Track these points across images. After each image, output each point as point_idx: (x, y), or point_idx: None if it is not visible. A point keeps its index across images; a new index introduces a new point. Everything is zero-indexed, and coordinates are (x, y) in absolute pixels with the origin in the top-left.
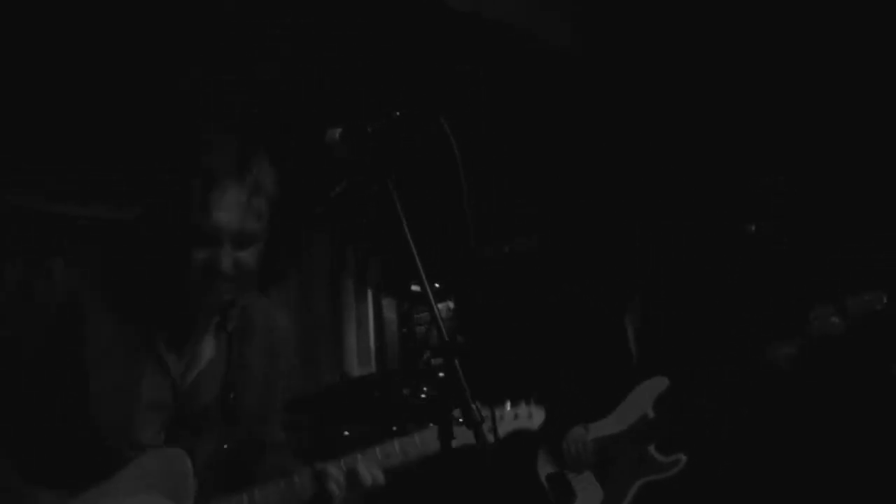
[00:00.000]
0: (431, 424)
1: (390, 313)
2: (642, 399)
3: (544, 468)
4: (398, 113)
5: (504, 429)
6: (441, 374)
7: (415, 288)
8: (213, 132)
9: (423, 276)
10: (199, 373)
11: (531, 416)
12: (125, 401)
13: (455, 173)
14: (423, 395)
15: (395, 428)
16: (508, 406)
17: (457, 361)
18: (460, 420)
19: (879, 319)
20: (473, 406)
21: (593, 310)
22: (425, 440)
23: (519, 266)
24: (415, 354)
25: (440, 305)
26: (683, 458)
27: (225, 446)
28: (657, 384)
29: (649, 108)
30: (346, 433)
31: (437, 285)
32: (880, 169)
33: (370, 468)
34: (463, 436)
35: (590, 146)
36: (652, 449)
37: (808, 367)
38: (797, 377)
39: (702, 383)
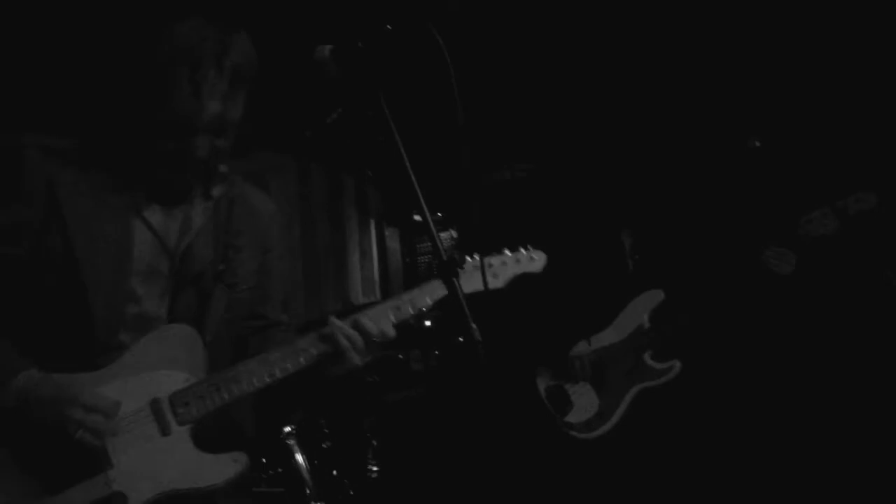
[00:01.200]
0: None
1: (394, 243)
2: (638, 311)
3: (543, 381)
4: (389, 27)
5: (507, 275)
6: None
7: (417, 217)
8: (191, 18)
9: (423, 202)
10: (192, 239)
11: (532, 259)
12: (118, 265)
13: (450, 91)
14: (427, 322)
15: (400, 356)
16: (508, 252)
17: (456, 280)
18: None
19: (871, 222)
20: (472, 326)
21: (590, 225)
22: (431, 289)
23: (519, 191)
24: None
25: (443, 234)
26: (678, 364)
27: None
28: (653, 297)
29: (649, 30)
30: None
31: (438, 214)
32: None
33: (378, 322)
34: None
35: (586, 68)
36: (647, 356)
37: (803, 271)
38: (793, 281)
39: (695, 294)
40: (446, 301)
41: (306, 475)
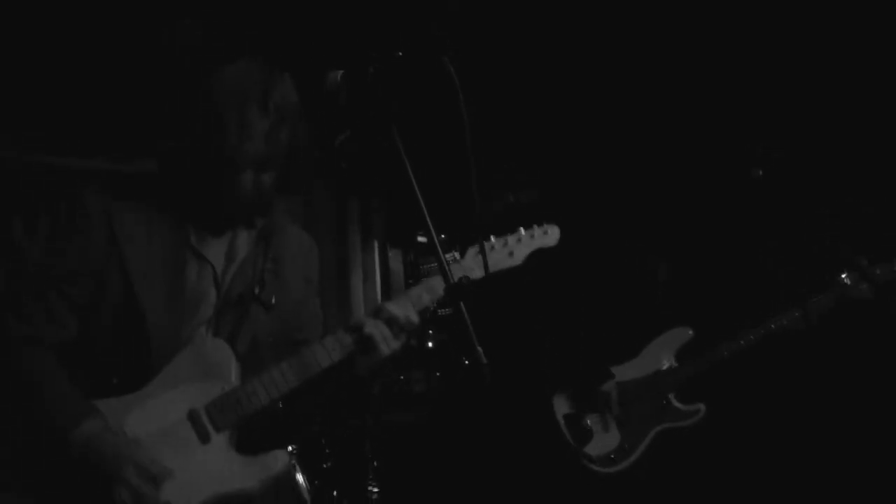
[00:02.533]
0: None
1: (396, 264)
2: (666, 347)
3: (561, 408)
4: (400, 53)
5: (523, 251)
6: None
7: (421, 239)
8: (234, 61)
9: (430, 224)
10: (238, 268)
11: (546, 233)
12: (172, 294)
13: (459, 118)
14: (430, 344)
15: (402, 377)
16: (522, 230)
17: (463, 304)
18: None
19: None
20: (478, 349)
21: (626, 259)
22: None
23: (525, 216)
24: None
25: (446, 256)
26: (703, 408)
27: (266, 338)
28: (681, 334)
29: (654, 54)
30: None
31: (442, 236)
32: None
33: (403, 309)
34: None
35: (595, 99)
36: (672, 397)
37: (835, 325)
38: (824, 332)
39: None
40: (453, 322)
41: (307, 495)
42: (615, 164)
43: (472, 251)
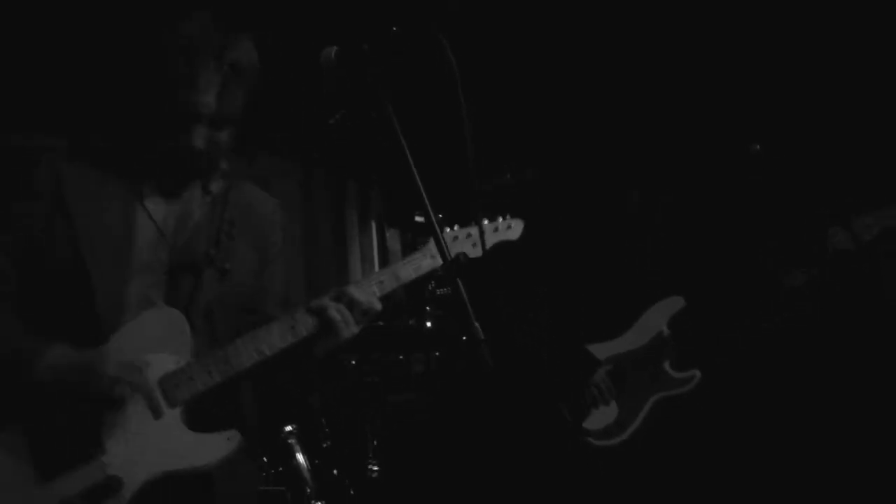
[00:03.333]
0: (417, 250)
1: (394, 244)
2: (658, 317)
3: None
4: (395, 29)
5: (486, 243)
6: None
7: (418, 218)
8: (189, 16)
9: (427, 202)
10: (191, 232)
11: (510, 227)
12: (119, 254)
13: (455, 94)
14: (428, 324)
15: (400, 357)
16: (486, 221)
17: (460, 281)
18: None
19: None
20: (475, 325)
21: (611, 232)
22: (415, 263)
23: (522, 195)
24: (419, 284)
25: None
26: (698, 374)
27: (222, 308)
28: (673, 303)
29: (652, 34)
30: (353, 362)
31: (440, 215)
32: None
33: (366, 295)
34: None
35: (594, 71)
36: (666, 365)
37: (824, 291)
38: (815, 299)
39: (716, 304)
40: (450, 299)
41: (307, 474)
42: (610, 150)
43: (450, 235)
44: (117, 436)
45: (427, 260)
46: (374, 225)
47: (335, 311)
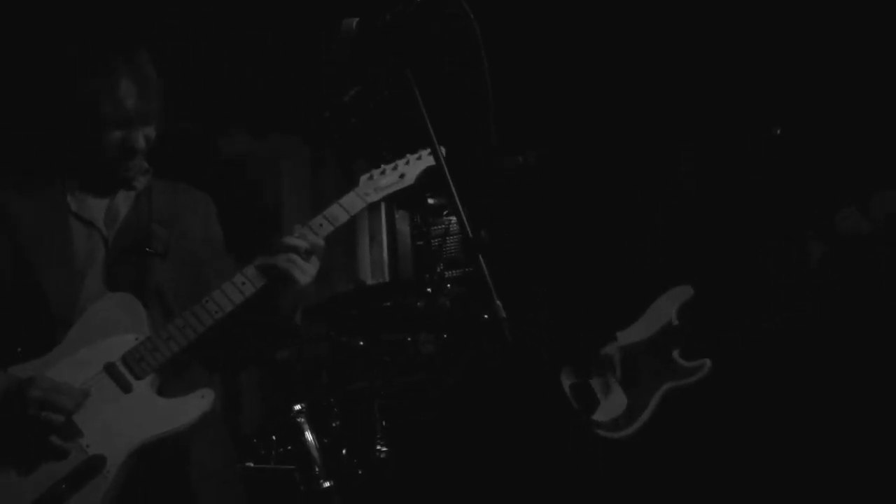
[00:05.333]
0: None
1: (403, 225)
2: (667, 306)
3: (568, 377)
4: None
5: (412, 171)
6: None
7: (430, 200)
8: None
9: (450, 180)
10: (122, 225)
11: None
12: (63, 257)
13: (479, 67)
14: (438, 306)
15: (409, 338)
16: (409, 154)
17: (481, 258)
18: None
19: None
20: (497, 303)
21: (619, 219)
22: (350, 204)
23: (535, 177)
24: (429, 267)
25: (453, 218)
26: (708, 363)
27: (170, 287)
28: (682, 292)
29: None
30: (361, 343)
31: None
32: None
33: (303, 239)
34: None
35: (608, 49)
36: (676, 355)
37: (836, 268)
38: (826, 277)
39: (726, 291)
40: (472, 277)
41: (315, 454)
42: (623, 130)
43: (364, 177)
44: (91, 415)
45: (360, 203)
46: (382, 206)
47: (283, 261)
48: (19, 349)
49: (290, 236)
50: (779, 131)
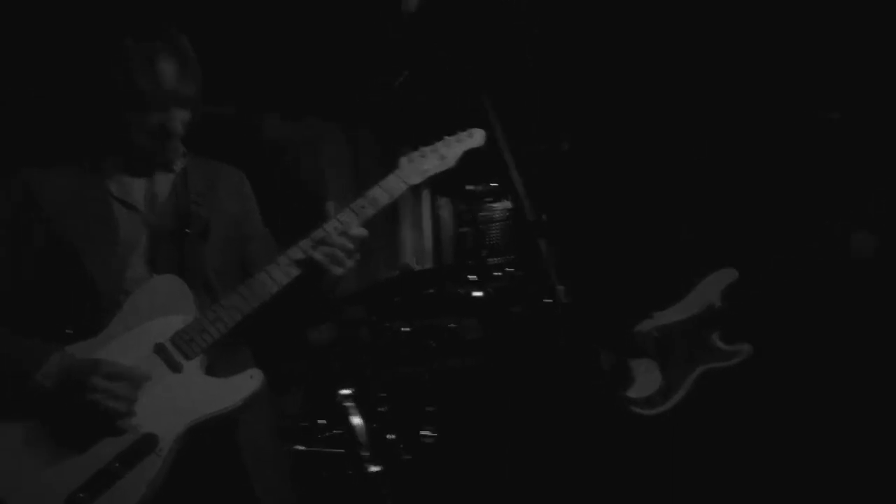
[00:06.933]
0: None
1: (445, 212)
2: (710, 289)
3: (606, 355)
4: None
5: (452, 153)
6: (497, 273)
7: (470, 188)
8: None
9: (511, 164)
10: (161, 207)
11: (471, 136)
12: (107, 240)
13: (524, 47)
14: (480, 293)
15: (453, 324)
16: (447, 137)
17: (541, 241)
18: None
19: None
20: (559, 287)
21: (661, 201)
22: (390, 187)
23: (571, 162)
24: (472, 254)
25: (496, 205)
26: (748, 347)
27: (213, 268)
28: (726, 275)
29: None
30: (406, 329)
31: (493, 184)
32: None
33: (348, 229)
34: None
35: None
36: (716, 337)
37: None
38: (879, 267)
39: (772, 275)
40: (529, 260)
41: (363, 438)
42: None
43: (404, 160)
44: (143, 395)
45: (401, 186)
46: (425, 193)
47: (322, 254)
48: (68, 331)
49: (333, 231)
50: (837, 116)
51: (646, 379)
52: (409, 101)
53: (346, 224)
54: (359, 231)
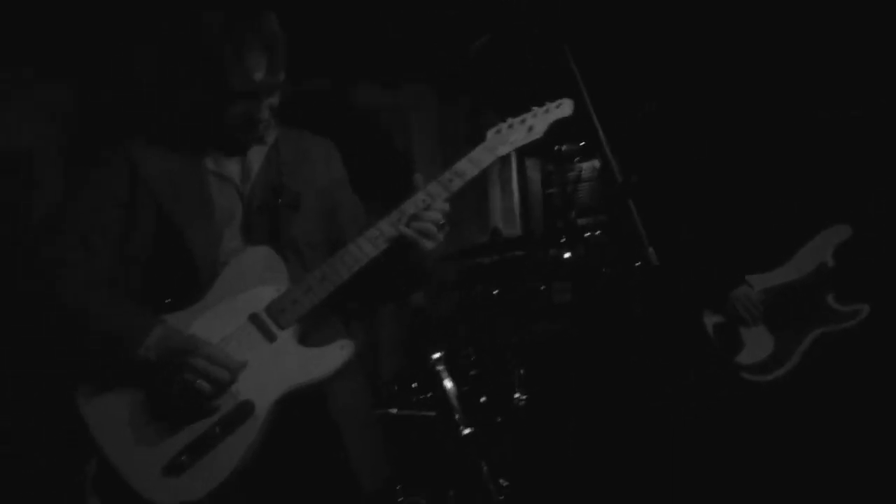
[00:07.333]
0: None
1: (534, 173)
2: (823, 247)
3: (711, 318)
4: None
5: (541, 124)
6: (588, 234)
7: (558, 147)
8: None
9: (599, 126)
10: (255, 179)
11: (560, 106)
12: (204, 213)
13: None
14: (568, 255)
15: (543, 287)
16: (536, 108)
17: (631, 202)
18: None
19: None
20: (650, 249)
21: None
22: (479, 158)
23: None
24: (560, 214)
25: (585, 164)
26: (866, 308)
27: (305, 239)
28: (839, 232)
29: None
30: (495, 292)
31: (581, 144)
32: None
33: (434, 204)
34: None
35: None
36: (830, 299)
37: None
38: None
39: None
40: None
41: (455, 401)
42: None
43: (491, 131)
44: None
45: (490, 156)
46: (513, 155)
47: (409, 229)
48: (167, 300)
49: (421, 204)
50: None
51: (756, 344)
52: (494, 66)
53: (434, 196)
54: (442, 205)
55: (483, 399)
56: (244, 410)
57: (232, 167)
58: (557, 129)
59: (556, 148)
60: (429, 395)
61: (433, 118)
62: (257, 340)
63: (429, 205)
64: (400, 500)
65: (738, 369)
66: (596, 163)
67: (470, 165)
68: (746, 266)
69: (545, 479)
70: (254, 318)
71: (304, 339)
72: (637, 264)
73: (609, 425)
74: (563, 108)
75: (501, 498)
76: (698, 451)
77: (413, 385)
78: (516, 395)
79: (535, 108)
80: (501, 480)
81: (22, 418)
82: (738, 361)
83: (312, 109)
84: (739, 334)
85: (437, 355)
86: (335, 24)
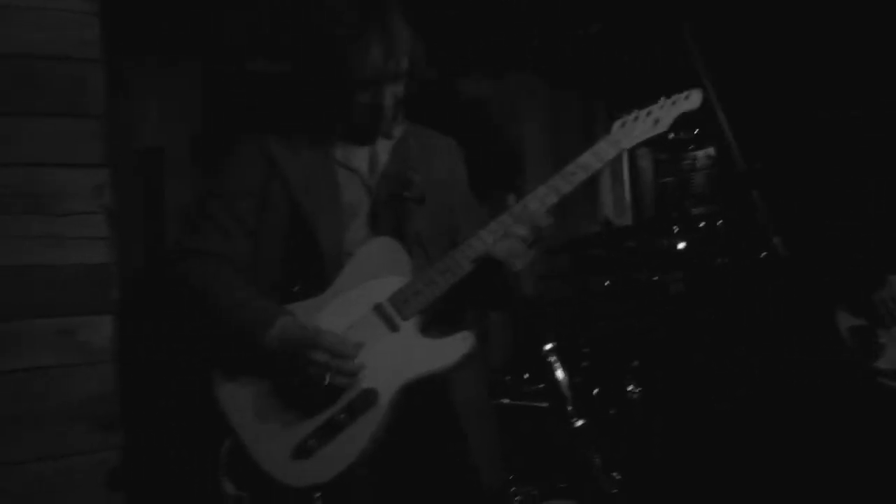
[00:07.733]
0: (603, 138)
1: (645, 163)
2: None
3: (845, 321)
4: None
5: (667, 116)
6: (701, 224)
7: (671, 135)
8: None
9: (721, 112)
10: (382, 173)
11: (688, 98)
12: (333, 205)
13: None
14: (681, 245)
15: (655, 278)
16: (663, 98)
17: (755, 192)
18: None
19: None
20: (776, 239)
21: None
22: (603, 151)
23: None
24: (674, 204)
25: (699, 153)
26: None
27: (427, 233)
28: None
29: None
30: (607, 283)
31: (696, 131)
32: None
33: (532, 219)
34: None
35: None
36: None
37: None
38: None
39: None
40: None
41: (567, 392)
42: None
43: (616, 124)
44: (363, 352)
45: (613, 149)
46: None
47: (502, 251)
48: (296, 288)
49: (538, 209)
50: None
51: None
52: (608, 56)
53: (556, 189)
54: (543, 221)
55: (596, 391)
56: (368, 399)
57: (360, 159)
58: (682, 122)
59: (668, 136)
60: (541, 385)
61: (544, 107)
62: (381, 330)
63: (546, 206)
64: (513, 489)
65: (877, 374)
66: (711, 150)
67: (594, 159)
68: (889, 265)
69: (659, 474)
70: (378, 308)
71: (426, 330)
72: (762, 255)
73: (722, 421)
74: (692, 100)
75: (615, 491)
76: (822, 454)
77: (525, 376)
78: (630, 388)
79: (662, 100)
80: (614, 474)
81: (163, 404)
82: (877, 366)
83: (420, 101)
84: (878, 338)
85: (548, 346)
86: (443, 14)
